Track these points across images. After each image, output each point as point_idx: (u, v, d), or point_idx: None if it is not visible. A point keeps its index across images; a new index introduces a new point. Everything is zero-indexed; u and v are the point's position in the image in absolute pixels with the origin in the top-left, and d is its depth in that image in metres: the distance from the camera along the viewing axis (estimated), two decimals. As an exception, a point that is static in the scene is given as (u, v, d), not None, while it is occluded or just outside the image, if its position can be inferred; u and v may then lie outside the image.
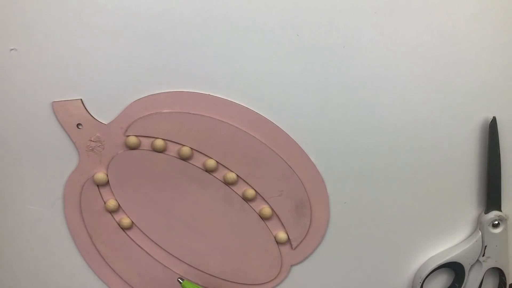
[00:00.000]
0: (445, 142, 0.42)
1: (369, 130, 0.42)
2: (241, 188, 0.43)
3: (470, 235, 0.45)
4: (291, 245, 0.44)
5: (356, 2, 0.39)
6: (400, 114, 0.41)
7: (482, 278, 0.45)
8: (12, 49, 0.38)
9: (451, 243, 0.45)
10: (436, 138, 0.42)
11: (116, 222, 0.43)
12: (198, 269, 0.45)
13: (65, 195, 0.43)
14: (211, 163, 0.41)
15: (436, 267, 0.44)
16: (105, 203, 0.43)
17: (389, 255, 0.46)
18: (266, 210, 0.43)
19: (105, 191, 0.42)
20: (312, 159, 0.42)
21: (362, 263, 0.46)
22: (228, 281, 0.45)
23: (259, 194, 0.43)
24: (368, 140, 0.42)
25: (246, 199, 0.43)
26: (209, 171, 0.42)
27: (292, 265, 0.45)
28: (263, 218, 0.43)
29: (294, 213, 0.43)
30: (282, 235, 0.44)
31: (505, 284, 0.46)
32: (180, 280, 0.41)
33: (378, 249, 0.46)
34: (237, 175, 0.42)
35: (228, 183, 0.42)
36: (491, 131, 0.42)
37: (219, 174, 0.42)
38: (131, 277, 0.45)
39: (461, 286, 0.45)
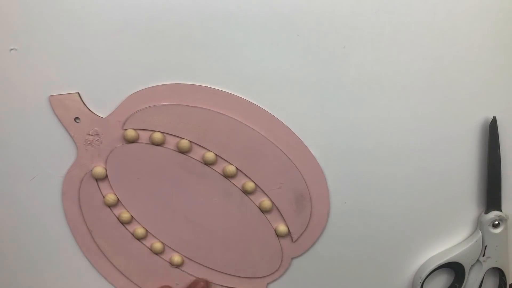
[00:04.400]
0: (445, 142, 0.44)
1: (369, 130, 0.43)
2: (240, 181, 0.44)
3: (470, 235, 0.47)
4: (291, 237, 0.45)
5: (356, 2, 0.40)
6: (400, 114, 0.43)
7: (482, 278, 0.47)
8: (12, 49, 0.40)
9: (451, 243, 0.47)
10: (436, 138, 0.44)
11: (116, 216, 0.44)
12: (198, 263, 0.46)
13: (64, 190, 0.44)
14: (210, 156, 0.42)
15: (436, 267, 0.46)
16: (104, 197, 0.44)
17: (389, 255, 0.47)
18: (266, 203, 0.44)
19: (104, 185, 0.44)
20: (312, 152, 0.43)
21: (362, 263, 0.47)
22: (229, 274, 0.47)
23: (258, 186, 0.44)
24: (368, 140, 0.43)
25: (246, 192, 0.44)
26: (208, 164, 0.43)
27: (292, 258, 0.46)
28: (263, 211, 0.44)
29: (294, 205, 0.44)
30: (282, 228, 0.45)
31: (505, 284, 0.47)
32: None
33: (378, 249, 0.47)
34: (237, 168, 0.43)
35: (227, 176, 0.43)
36: (491, 131, 0.43)
37: (218, 167, 0.43)
38: (131, 272, 0.46)
39: (461, 286, 0.47)
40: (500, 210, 0.45)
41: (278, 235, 0.45)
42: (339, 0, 0.40)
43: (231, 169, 0.43)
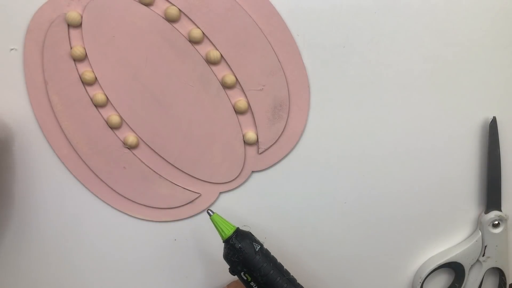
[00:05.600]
0: (445, 142, 0.44)
1: (369, 130, 0.43)
2: (222, 72, 0.41)
3: (470, 235, 0.47)
4: (258, 148, 0.43)
5: (356, 2, 0.40)
6: (400, 114, 0.43)
7: (482, 278, 0.47)
8: (12, 49, 0.40)
9: (451, 243, 0.47)
10: (436, 138, 0.44)
11: (78, 73, 0.40)
12: (153, 150, 0.43)
13: (30, 28, 0.39)
14: (197, 33, 0.40)
15: (436, 267, 0.46)
16: (71, 48, 0.40)
17: (389, 255, 0.47)
18: (242, 103, 0.41)
19: (75, 34, 0.40)
20: (305, 62, 0.42)
21: (362, 263, 0.48)
22: (182, 171, 0.44)
23: (239, 83, 0.41)
24: (368, 140, 0.44)
25: (225, 85, 0.41)
26: (192, 42, 0.40)
27: (253, 171, 0.44)
28: (237, 111, 0.42)
29: (270, 113, 0.42)
30: (251, 135, 0.42)
31: (505, 284, 0.48)
32: (210, 213, 0.39)
33: (378, 249, 0.47)
34: (221, 56, 0.40)
35: (210, 62, 0.40)
36: (491, 131, 0.43)
37: (202, 49, 0.40)
38: (78, 140, 0.42)
39: (461, 286, 0.47)
40: (500, 210, 0.45)
41: (245, 142, 0.43)
42: (339, 0, 0.40)
43: (215, 54, 0.40)
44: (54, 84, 0.41)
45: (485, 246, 0.46)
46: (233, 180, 0.44)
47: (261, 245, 0.39)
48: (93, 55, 0.40)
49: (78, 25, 0.39)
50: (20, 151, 0.43)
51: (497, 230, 0.46)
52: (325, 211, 0.46)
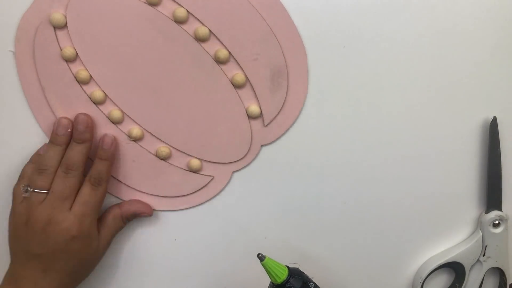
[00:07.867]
0: (445, 142, 0.44)
1: (369, 130, 0.44)
2: (213, 47, 0.40)
3: (470, 235, 0.47)
4: (263, 121, 0.42)
5: (356, 2, 0.40)
6: (400, 114, 0.43)
7: (482, 278, 0.47)
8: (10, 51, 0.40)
9: (451, 243, 0.47)
10: (436, 138, 0.44)
11: (73, 74, 0.40)
12: (160, 139, 0.42)
13: (18, 37, 0.39)
14: (181, 12, 0.39)
15: (436, 267, 0.46)
16: (61, 49, 0.39)
17: (389, 255, 0.47)
18: (239, 77, 0.40)
19: (62, 35, 0.39)
20: (296, 22, 0.41)
21: (362, 263, 0.48)
22: (192, 156, 0.43)
23: (232, 56, 0.40)
24: (368, 140, 0.44)
25: (218, 61, 0.40)
26: (178, 22, 0.39)
27: (262, 145, 0.44)
28: (235, 86, 0.41)
29: (269, 82, 0.41)
30: (254, 108, 0.42)
31: (505, 284, 0.48)
32: (262, 257, 0.37)
33: (378, 249, 0.47)
34: (210, 31, 0.40)
35: (199, 39, 0.40)
36: (491, 131, 0.44)
37: (189, 27, 0.40)
38: None
39: (461, 286, 0.47)
40: (500, 210, 0.46)
41: (249, 116, 0.42)
42: (339, 0, 0.40)
43: (203, 30, 0.39)
44: (50, 87, 0.40)
45: (486, 246, 0.46)
46: (244, 157, 0.43)
47: (314, 283, 0.38)
48: (83, 53, 0.40)
49: (64, 26, 0.39)
50: (20, 151, 0.43)
51: (497, 230, 0.46)
52: (325, 212, 0.46)
